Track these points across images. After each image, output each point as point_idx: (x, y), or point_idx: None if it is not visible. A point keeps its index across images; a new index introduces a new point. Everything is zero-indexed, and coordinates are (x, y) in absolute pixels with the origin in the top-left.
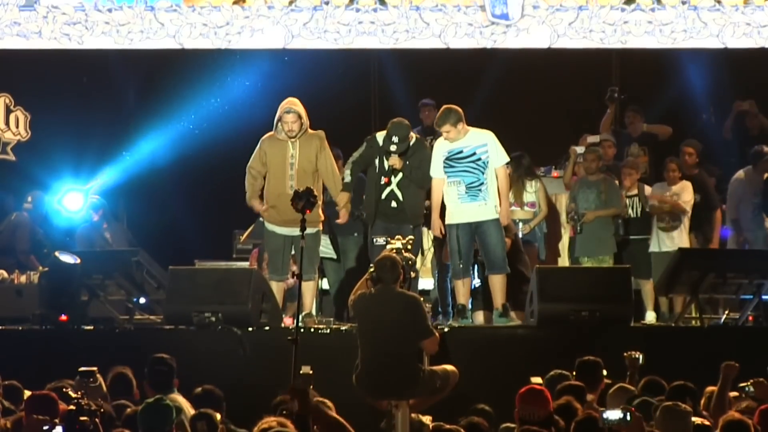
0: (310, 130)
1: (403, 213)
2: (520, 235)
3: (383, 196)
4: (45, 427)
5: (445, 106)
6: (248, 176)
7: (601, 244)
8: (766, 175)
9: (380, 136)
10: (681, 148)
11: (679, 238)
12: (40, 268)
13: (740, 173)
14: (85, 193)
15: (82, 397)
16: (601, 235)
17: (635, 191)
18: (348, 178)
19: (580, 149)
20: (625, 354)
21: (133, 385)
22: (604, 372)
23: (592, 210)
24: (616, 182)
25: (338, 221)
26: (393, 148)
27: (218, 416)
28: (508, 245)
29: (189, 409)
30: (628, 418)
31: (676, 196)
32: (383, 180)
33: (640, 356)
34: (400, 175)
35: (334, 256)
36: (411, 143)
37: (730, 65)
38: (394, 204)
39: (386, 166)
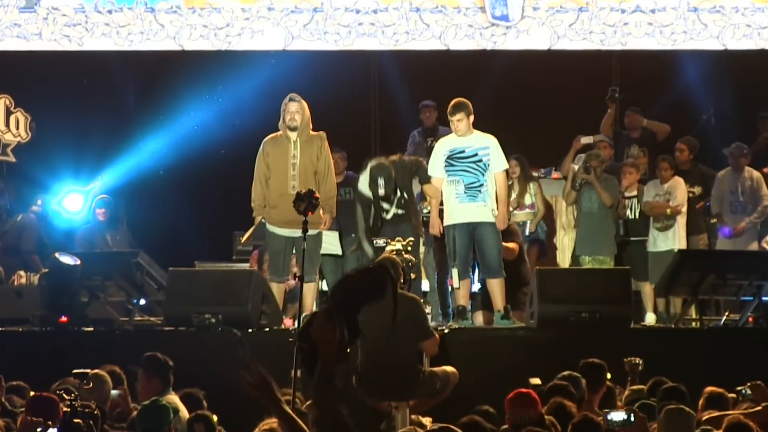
0: (312, 132)
1: (401, 221)
2: (527, 233)
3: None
4: (39, 429)
5: (458, 99)
6: (257, 183)
7: (601, 244)
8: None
9: (363, 183)
10: (678, 145)
11: (675, 237)
12: (42, 269)
13: (722, 171)
14: (86, 194)
15: (76, 399)
16: (602, 234)
17: (635, 192)
18: (370, 251)
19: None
20: (625, 360)
21: (123, 383)
22: (608, 375)
23: (595, 209)
24: (616, 181)
25: (322, 227)
26: (381, 192)
27: (215, 418)
28: (515, 251)
29: (183, 410)
30: (632, 419)
31: (669, 195)
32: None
33: (641, 362)
34: (394, 209)
35: (339, 252)
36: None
37: (730, 67)
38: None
39: (381, 213)
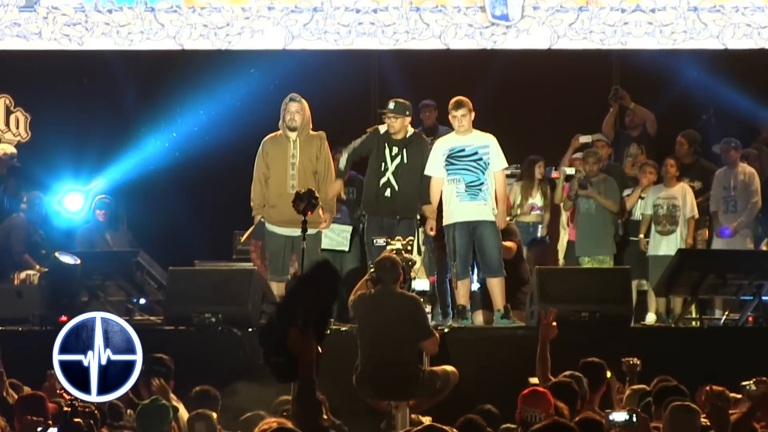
0: (312, 132)
1: (396, 203)
2: (538, 235)
3: (380, 183)
4: (39, 429)
5: (460, 96)
6: (256, 183)
7: (600, 244)
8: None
9: (383, 127)
10: (678, 139)
11: (675, 243)
12: (37, 267)
13: (719, 170)
14: (86, 193)
15: (76, 398)
16: (600, 234)
17: (650, 192)
18: (342, 164)
19: (570, 170)
20: (623, 360)
21: None
22: (608, 374)
23: (594, 210)
24: (614, 182)
25: (321, 227)
26: (391, 105)
27: (215, 416)
28: (513, 250)
29: (183, 410)
30: (634, 419)
31: (674, 200)
32: (382, 166)
33: (639, 362)
34: (397, 162)
35: (346, 249)
36: (408, 134)
37: (730, 66)
38: (388, 193)
39: (385, 153)
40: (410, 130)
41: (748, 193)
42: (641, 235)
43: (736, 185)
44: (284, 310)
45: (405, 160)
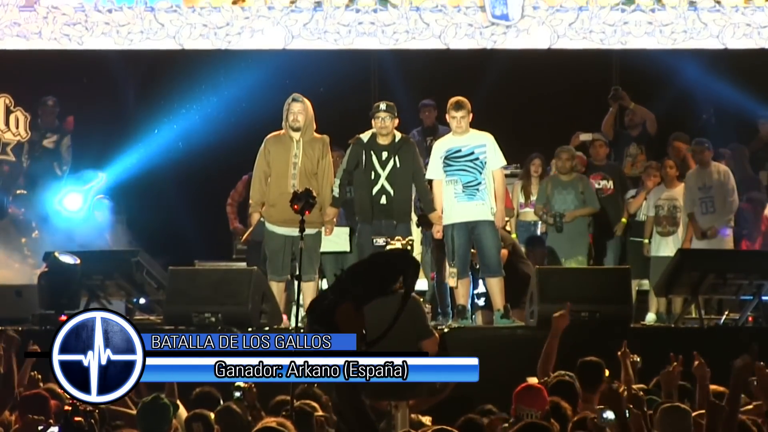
0: (316, 134)
1: (392, 209)
2: (538, 233)
3: (373, 192)
4: (40, 428)
5: (460, 97)
6: (256, 181)
7: (576, 245)
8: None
9: (365, 135)
10: (670, 142)
11: (675, 244)
12: (17, 266)
13: (690, 171)
14: (85, 193)
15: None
16: (575, 235)
17: (651, 194)
18: (336, 192)
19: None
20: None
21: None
22: (606, 373)
23: (571, 210)
24: (589, 181)
25: (325, 235)
26: (383, 106)
27: (212, 416)
28: (505, 255)
29: (182, 409)
30: (627, 416)
31: (676, 201)
32: (372, 175)
33: (639, 359)
34: (390, 167)
35: (347, 249)
36: (397, 139)
37: (730, 66)
38: (384, 200)
39: (373, 161)
40: (398, 135)
41: (725, 191)
42: (645, 240)
43: (712, 185)
44: (342, 283)
45: (398, 165)
